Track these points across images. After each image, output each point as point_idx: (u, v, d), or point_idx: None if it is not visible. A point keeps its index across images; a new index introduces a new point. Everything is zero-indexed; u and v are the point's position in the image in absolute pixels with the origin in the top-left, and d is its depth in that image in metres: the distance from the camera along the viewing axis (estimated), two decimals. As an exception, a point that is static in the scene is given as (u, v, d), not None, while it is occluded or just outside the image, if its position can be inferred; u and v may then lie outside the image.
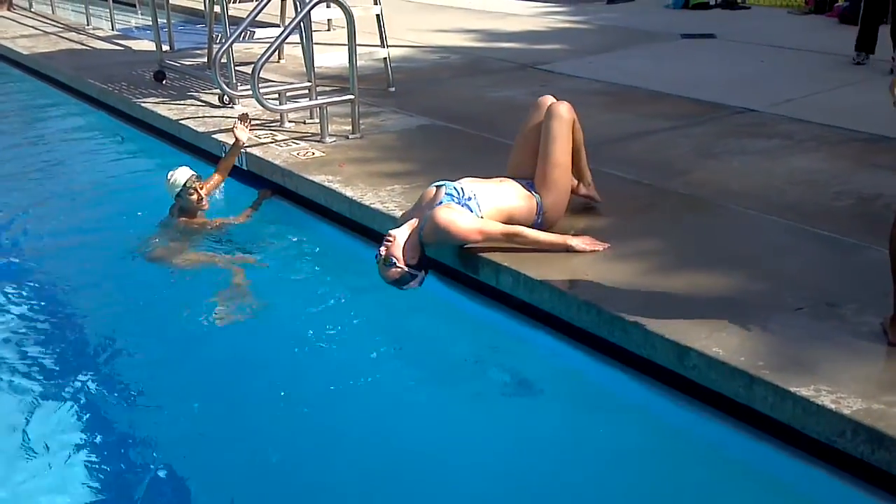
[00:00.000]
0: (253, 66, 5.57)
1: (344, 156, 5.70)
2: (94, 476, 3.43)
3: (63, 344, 4.41)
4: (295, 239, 5.36)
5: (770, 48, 8.96)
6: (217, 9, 7.33)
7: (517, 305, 3.98)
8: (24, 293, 4.90)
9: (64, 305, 4.82)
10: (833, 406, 2.84)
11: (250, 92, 5.67)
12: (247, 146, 5.83)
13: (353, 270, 4.71)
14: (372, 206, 4.80)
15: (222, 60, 6.52)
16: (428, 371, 3.98)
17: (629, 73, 7.98)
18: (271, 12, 8.28)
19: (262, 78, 5.71)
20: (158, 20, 8.21)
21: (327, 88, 7.02)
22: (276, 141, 6.10)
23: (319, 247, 5.21)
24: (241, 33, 6.42)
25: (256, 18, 6.47)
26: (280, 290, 4.79)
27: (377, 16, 7.46)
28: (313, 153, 5.78)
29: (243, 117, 5.78)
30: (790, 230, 4.28)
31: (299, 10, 6.12)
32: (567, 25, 11.07)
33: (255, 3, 6.66)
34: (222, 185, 5.69)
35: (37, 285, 5.02)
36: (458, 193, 3.97)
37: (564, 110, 4.23)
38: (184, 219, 5.31)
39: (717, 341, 3.23)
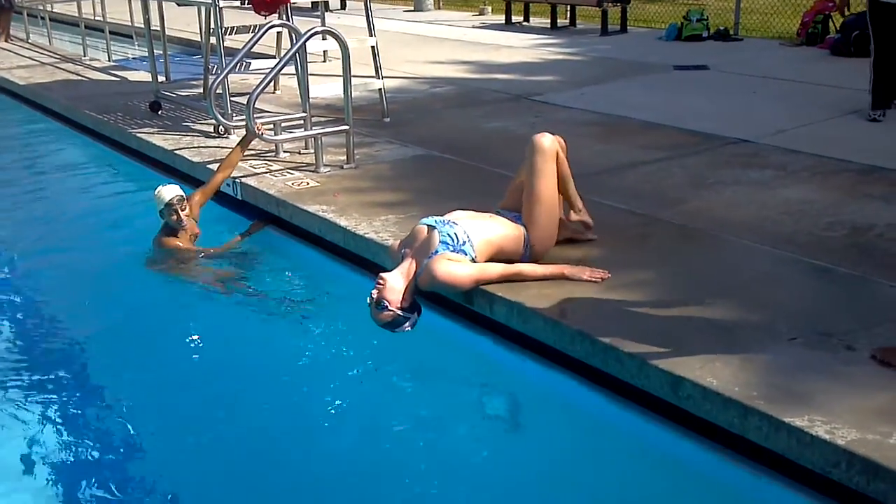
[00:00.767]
0: (248, 96, 5.59)
1: (338, 186, 5.71)
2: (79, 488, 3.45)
3: (55, 363, 4.44)
4: (289, 268, 5.36)
5: (762, 79, 9.02)
6: (213, 40, 7.37)
7: (511, 335, 3.97)
8: (14, 319, 4.93)
9: (54, 330, 4.85)
10: (827, 436, 2.83)
11: (245, 122, 5.68)
12: (242, 176, 5.84)
13: (346, 300, 4.70)
14: (366, 235, 4.80)
15: (218, 91, 6.56)
16: (421, 401, 3.96)
17: (622, 104, 8.02)
18: (267, 44, 8.34)
19: (257, 108, 5.73)
20: (155, 51, 8.26)
21: (322, 119, 7.05)
22: (271, 171, 6.11)
23: (313, 276, 5.21)
24: (236, 64, 6.46)
25: (252, 49, 6.51)
26: (273, 318, 4.77)
27: (372, 47, 7.51)
28: (308, 183, 5.80)
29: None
30: (784, 260, 4.28)
31: (295, 41, 6.16)
32: (560, 57, 11.15)
33: (250, 35, 6.70)
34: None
35: (28, 312, 5.04)
36: (453, 240, 3.95)
37: (546, 142, 4.20)
38: (165, 238, 5.35)
39: (712, 371, 3.22)
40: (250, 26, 7.79)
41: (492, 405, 3.98)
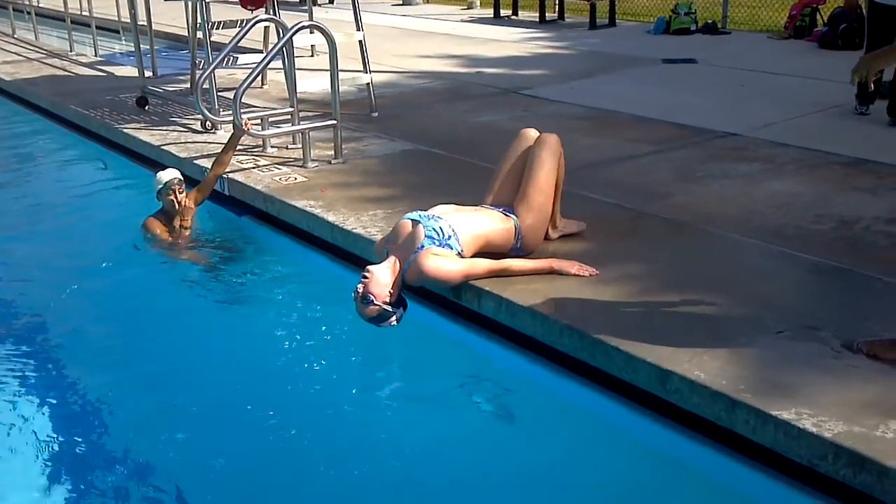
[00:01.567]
0: (235, 91, 5.57)
1: (326, 181, 5.69)
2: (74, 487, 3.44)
3: (37, 355, 4.45)
4: (277, 264, 5.34)
5: (750, 73, 9.03)
6: (200, 35, 7.34)
7: (499, 330, 3.97)
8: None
9: (36, 323, 4.81)
10: (814, 429, 2.83)
11: (232, 117, 5.66)
12: (229, 171, 5.82)
13: (334, 295, 4.69)
14: (354, 230, 4.79)
15: (204, 86, 6.52)
16: (408, 396, 3.96)
17: (611, 97, 8.02)
18: (254, 38, 8.30)
19: (244, 103, 5.71)
20: (141, 46, 8.21)
21: (310, 114, 7.02)
22: (259, 166, 6.09)
23: (301, 271, 5.19)
24: (223, 59, 6.43)
25: (239, 44, 6.48)
26: (261, 314, 4.76)
27: (360, 42, 7.49)
28: (295, 178, 5.78)
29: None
30: (771, 254, 4.29)
31: (282, 35, 6.13)
32: (549, 51, 11.14)
33: (237, 29, 6.67)
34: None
35: (10, 305, 5.00)
36: (439, 234, 3.94)
37: (555, 142, 4.29)
38: (155, 221, 5.44)
39: (699, 365, 3.22)
40: (237, 21, 7.75)
41: (480, 400, 3.97)
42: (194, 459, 3.58)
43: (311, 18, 7.73)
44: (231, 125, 6.00)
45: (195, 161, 6.27)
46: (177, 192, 5.41)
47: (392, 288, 3.87)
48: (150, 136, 7.07)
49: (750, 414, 2.99)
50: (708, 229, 4.65)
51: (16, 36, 13.45)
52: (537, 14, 13.91)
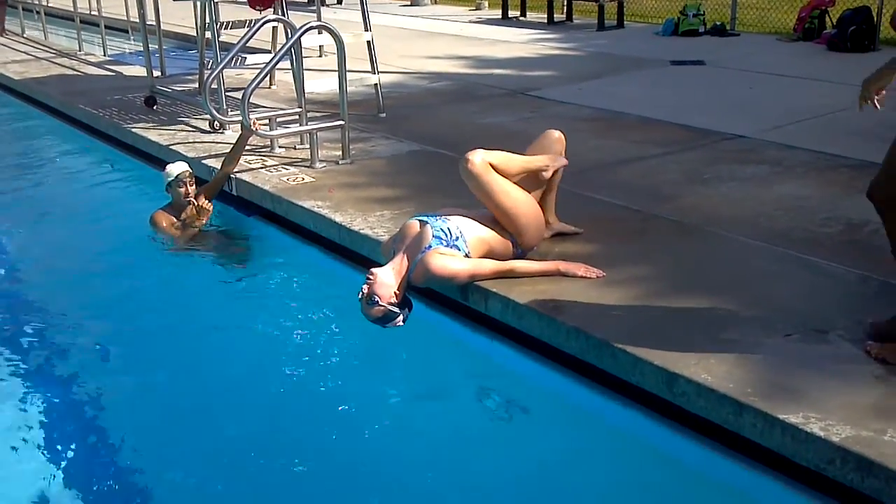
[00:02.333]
0: (243, 91, 5.57)
1: (334, 181, 5.69)
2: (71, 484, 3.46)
3: (50, 356, 4.47)
4: (283, 263, 5.35)
5: (759, 75, 9.01)
6: (208, 35, 7.35)
7: (506, 331, 3.96)
8: (5, 310, 4.94)
9: (45, 321, 4.83)
10: (822, 433, 2.82)
11: (240, 117, 5.67)
12: (237, 171, 5.83)
13: (341, 295, 4.69)
14: (361, 231, 4.79)
15: (213, 86, 6.54)
16: (415, 396, 3.96)
17: (619, 99, 8.01)
18: (262, 38, 8.33)
19: (252, 103, 5.72)
20: (150, 46, 8.24)
21: (318, 114, 7.03)
22: (267, 166, 6.10)
23: (308, 272, 5.20)
24: (232, 59, 6.44)
25: (248, 44, 6.49)
26: (267, 314, 4.76)
27: (368, 42, 7.49)
28: (303, 178, 5.78)
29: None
30: (779, 256, 4.28)
31: (290, 36, 6.14)
32: (557, 52, 11.13)
33: (246, 29, 6.68)
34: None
35: (19, 303, 5.03)
36: (446, 235, 3.94)
37: (469, 170, 4.02)
38: (165, 215, 5.50)
39: (706, 368, 3.21)
40: (246, 21, 7.76)
41: (486, 401, 3.97)
42: (199, 458, 3.58)
43: (319, 19, 7.73)
44: (239, 125, 6.02)
45: (203, 161, 6.28)
46: (188, 185, 5.47)
47: (398, 289, 3.87)
48: (158, 135, 7.09)
49: (757, 417, 2.98)
50: (715, 231, 4.64)
51: (25, 35, 13.50)
52: (545, 15, 13.89)
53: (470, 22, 14.46)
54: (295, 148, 6.49)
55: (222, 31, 7.44)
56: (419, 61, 10.39)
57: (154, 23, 8.36)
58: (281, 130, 6.37)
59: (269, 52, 8.47)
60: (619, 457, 3.40)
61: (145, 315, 4.79)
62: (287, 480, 3.44)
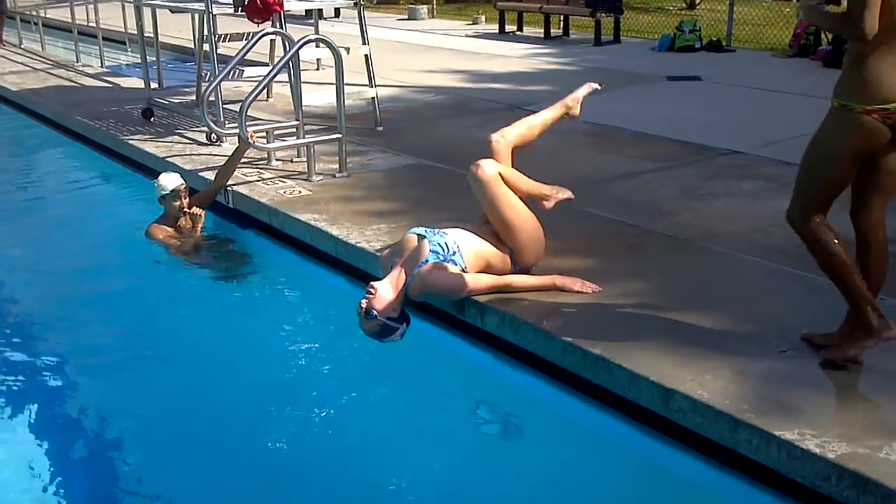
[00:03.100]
0: (241, 104, 5.58)
1: (330, 194, 5.70)
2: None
3: (45, 366, 4.46)
4: (280, 277, 5.34)
5: (755, 91, 9.05)
6: (206, 47, 7.36)
7: (502, 345, 3.96)
8: (5, 322, 4.94)
9: (41, 331, 4.83)
10: (818, 450, 2.82)
11: (238, 130, 5.68)
12: (233, 184, 5.83)
13: (337, 309, 4.69)
14: (358, 244, 4.79)
15: (210, 98, 6.55)
16: (411, 410, 3.95)
17: (615, 114, 8.03)
18: (260, 51, 8.33)
19: (249, 116, 5.72)
20: (147, 58, 8.26)
21: (315, 127, 7.04)
22: (263, 179, 6.10)
23: (305, 285, 5.20)
24: (229, 72, 6.45)
25: (245, 57, 6.50)
26: (263, 327, 4.76)
27: (365, 56, 7.51)
28: (300, 191, 5.78)
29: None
30: (775, 272, 4.29)
31: (288, 49, 6.15)
32: (553, 67, 11.17)
33: (244, 42, 6.70)
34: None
35: (15, 314, 5.02)
36: (443, 250, 3.95)
37: (485, 171, 4.05)
38: (160, 227, 5.50)
39: (702, 384, 3.21)
40: (243, 34, 7.79)
41: (482, 415, 3.97)
42: (192, 469, 3.57)
43: (317, 32, 7.78)
44: (236, 138, 6.02)
45: (200, 173, 6.28)
46: (183, 198, 5.49)
47: (395, 303, 3.87)
48: (155, 147, 7.09)
49: (753, 434, 2.98)
50: (711, 247, 4.65)
51: (23, 46, 13.51)
52: (542, 30, 13.96)
53: (467, 36, 14.52)
54: (292, 161, 6.50)
55: (220, 43, 7.45)
56: (416, 75, 10.42)
57: (152, 35, 8.37)
58: (278, 143, 6.38)
59: (267, 64, 8.48)
60: (614, 472, 3.40)
61: (141, 326, 4.78)
62: (281, 495, 3.43)
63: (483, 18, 16.15)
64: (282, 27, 7.01)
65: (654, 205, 5.38)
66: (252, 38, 6.63)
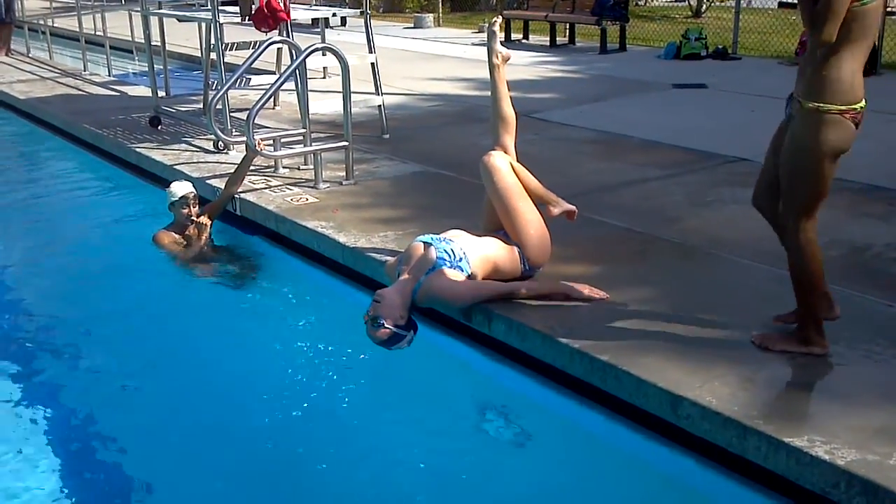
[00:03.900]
0: (248, 112, 5.60)
1: (337, 202, 5.71)
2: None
3: (52, 370, 4.51)
4: (287, 284, 5.35)
5: (761, 98, 9.04)
6: (213, 56, 7.39)
7: (509, 352, 3.96)
8: (8, 325, 4.97)
9: (48, 336, 4.85)
10: (827, 457, 2.82)
11: (245, 138, 5.70)
12: (241, 191, 5.85)
13: (344, 316, 4.69)
14: (365, 252, 4.80)
15: (217, 107, 6.56)
16: (418, 417, 3.94)
17: (622, 121, 8.04)
18: (267, 59, 8.36)
19: (256, 124, 5.74)
20: (155, 66, 8.28)
21: (322, 135, 7.06)
22: (270, 186, 6.11)
23: (311, 292, 5.20)
24: (236, 80, 6.47)
25: (252, 66, 6.52)
26: (269, 334, 4.76)
27: (372, 64, 7.53)
28: (307, 199, 5.80)
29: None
30: (782, 279, 4.24)
31: (295, 57, 6.17)
32: (560, 75, 11.19)
33: (251, 51, 6.72)
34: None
35: (22, 321, 5.04)
36: (450, 256, 3.95)
37: (497, 160, 4.14)
38: (167, 234, 5.52)
39: (711, 391, 3.21)
40: (250, 42, 7.80)
41: (489, 422, 3.96)
42: (199, 479, 3.57)
43: (323, 41, 7.79)
44: (243, 146, 6.04)
45: (207, 181, 6.29)
46: (191, 206, 5.50)
47: (403, 310, 3.86)
48: (162, 155, 7.11)
49: (762, 440, 2.97)
50: (718, 254, 4.65)
51: (31, 55, 13.56)
52: (548, 38, 13.97)
53: (473, 45, 14.53)
54: (299, 168, 6.51)
55: (227, 52, 7.48)
56: (423, 83, 10.44)
57: (159, 43, 8.40)
58: (285, 151, 6.39)
59: (274, 73, 8.50)
60: (622, 479, 3.39)
61: (147, 333, 4.79)
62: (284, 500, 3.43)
63: (489, 27, 16.16)
64: (289, 36, 7.04)
65: (661, 212, 5.38)
66: (259, 46, 6.65)
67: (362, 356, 4.33)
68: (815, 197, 3.40)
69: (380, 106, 7.57)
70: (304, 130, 6.37)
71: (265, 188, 6.08)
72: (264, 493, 3.47)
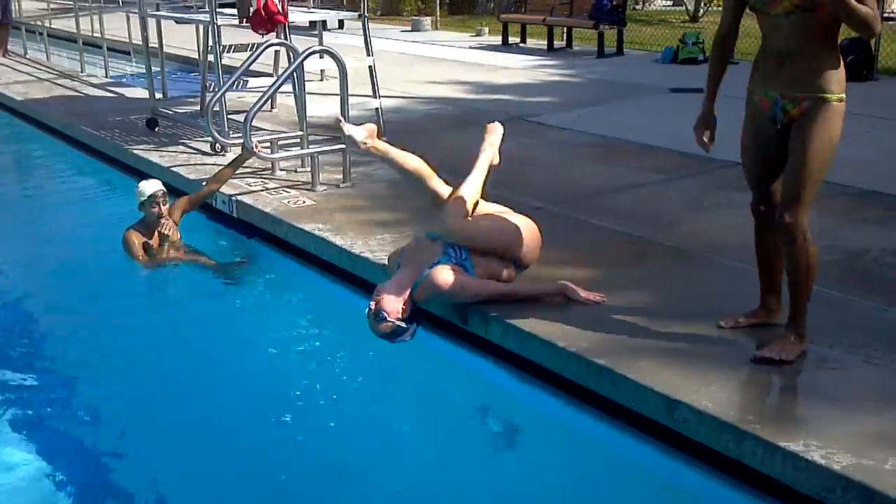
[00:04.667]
0: (245, 114, 5.60)
1: (334, 204, 5.71)
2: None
3: (44, 372, 4.50)
4: (283, 286, 5.35)
5: (758, 103, 9.04)
6: (211, 58, 7.39)
7: (506, 356, 3.96)
8: (5, 332, 4.94)
9: (43, 340, 4.84)
10: (823, 461, 2.82)
11: (242, 140, 5.69)
12: (237, 193, 5.84)
13: (341, 319, 4.69)
14: (361, 254, 4.79)
15: (215, 109, 6.56)
16: (414, 420, 3.95)
17: (619, 126, 8.05)
18: (265, 62, 8.36)
19: (254, 126, 5.74)
20: (152, 68, 8.27)
21: (319, 137, 7.05)
22: (267, 189, 6.11)
23: (308, 295, 5.20)
24: (234, 82, 6.47)
25: (250, 68, 6.52)
26: (267, 337, 4.76)
27: (370, 67, 7.54)
28: (304, 201, 5.79)
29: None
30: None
31: (292, 60, 6.17)
32: (557, 78, 11.19)
33: (248, 53, 6.72)
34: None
35: (16, 324, 5.03)
36: (455, 253, 3.95)
37: (451, 234, 4.01)
38: (135, 233, 5.41)
39: (707, 395, 3.21)
40: (248, 44, 7.81)
41: (485, 425, 3.96)
42: (194, 480, 3.57)
43: (321, 43, 7.80)
44: (240, 148, 6.03)
45: (204, 183, 6.28)
46: (160, 204, 5.39)
47: (404, 304, 3.85)
48: (159, 157, 7.11)
49: (758, 445, 2.97)
50: (715, 258, 4.65)
51: (28, 56, 13.55)
52: (545, 42, 13.99)
53: (470, 48, 14.56)
54: (296, 171, 6.51)
55: (225, 54, 7.47)
56: (420, 86, 10.44)
57: (156, 45, 8.40)
58: (282, 153, 6.39)
59: (271, 75, 8.50)
60: (618, 483, 3.39)
61: (144, 334, 4.78)
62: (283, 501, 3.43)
63: (486, 30, 16.19)
64: (286, 38, 7.04)
65: (658, 216, 5.39)
66: (256, 49, 6.65)
67: (356, 357, 4.33)
68: (819, 188, 3.45)
69: (377, 109, 7.57)
70: (301, 133, 6.37)
71: (262, 190, 6.08)
72: (259, 492, 3.47)
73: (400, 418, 3.98)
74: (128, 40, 11.76)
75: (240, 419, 3.97)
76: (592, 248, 4.69)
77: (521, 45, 14.52)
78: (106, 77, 11.41)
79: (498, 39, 14.87)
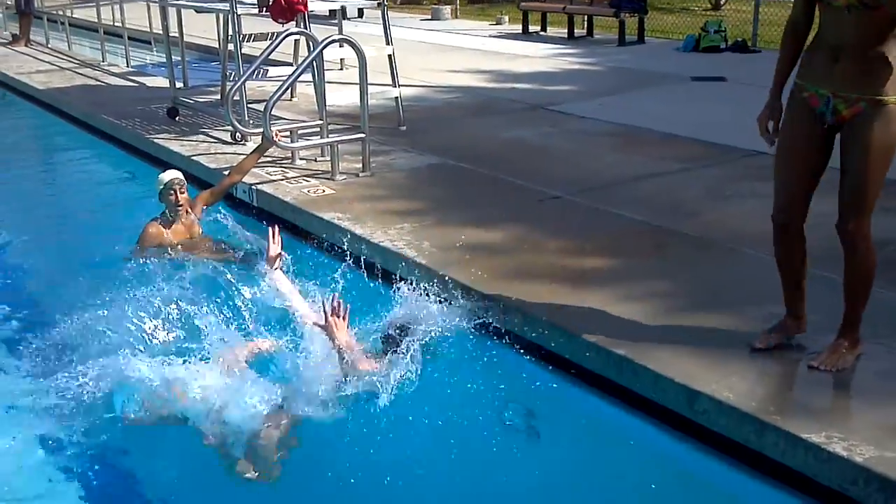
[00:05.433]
0: (265, 103, 5.60)
1: (354, 193, 5.71)
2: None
3: (55, 359, 4.43)
4: (303, 274, 5.34)
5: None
6: (231, 47, 7.40)
7: (526, 346, 3.95)
8: (19, 316, 4.96)
9: (61, 328, 4.82)
10: (845, 453, 2.80)
11: (262, 129, 5.70)
12: (257, 182, 5.85)
13: (360, 307, 4.69)
14: (381, 243, 4.79)
15: (235, 98, 6.58)
16: (433, 410, 3.94)
17: (640, 114, 8.00)
18: (284, 51, 8.37)
19: (273, 115, 5.75)
20: (173, 57, 8.30)
21: (339, 127, 7.06)
22: (287, 178, 6.12)
23: (327, 283, 5.19)
24: (254, 71, 6.48)
25: (270, 57, 6.53)
26: (284, 326, 4.76)
27: (389, 56, 7.53)
28: (323, 191, 5.80)
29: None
30: (801, 274, 4.24)
31: (312, 48, 6.17)
32: (578, 67, 11.14)
33: (268, 42, 6.73)
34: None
35: (35, 312, 5.04)
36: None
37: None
38: (156, 225, 5.37)
39: (728, 386, 3.19)
40: (268, 34, 7.81)
41: (505, 416, 3.95)
42: (195, 476, 3.58)
43: (340, 32, 7.80)
44: (260, 137, 6.04)
45: (225, 172, 6.30)
46: (177, 192, 5.33)
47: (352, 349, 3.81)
48: (180, 146, 7.13)
49: (779, 436, 2.96)
50: (736, 248, 4.62)
51: (50, 46, 13.64)
52: (566, 30, 13.92)
53: (490, 36, 14.50)
54: (316, 160, 6.52)
55: (244, 43, 7.48)
56: (440, 75, 10.42)
57: (177, 34, 8.43)
58: (302, 143, 6.40)
59: (291, 64, 8.51)
60: (638, 473, 3.37)
61: (162, 323, 4.79)
62: (300, 493, 3.43)
63: (506, 19, 16.13)
64: (306, 27, 7.04)
65: (680, 205, 5.35)
66: (276, 38, 6.66)
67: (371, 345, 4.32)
68: (879, 195, 3.29)
69: (397, 98, 7.56)
70: (321, 122, 6.38)
71: (282, 179, 6.09)
72: (265, 489, 3.48)
73: (416, 408, 3.98)
74: (148, 29, 11.82)
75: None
76: (613, 238, 4.66)
77: (542, 33, 14.45)
78: (127, 66, 11.46)
79: (518, 28, 14.80)
